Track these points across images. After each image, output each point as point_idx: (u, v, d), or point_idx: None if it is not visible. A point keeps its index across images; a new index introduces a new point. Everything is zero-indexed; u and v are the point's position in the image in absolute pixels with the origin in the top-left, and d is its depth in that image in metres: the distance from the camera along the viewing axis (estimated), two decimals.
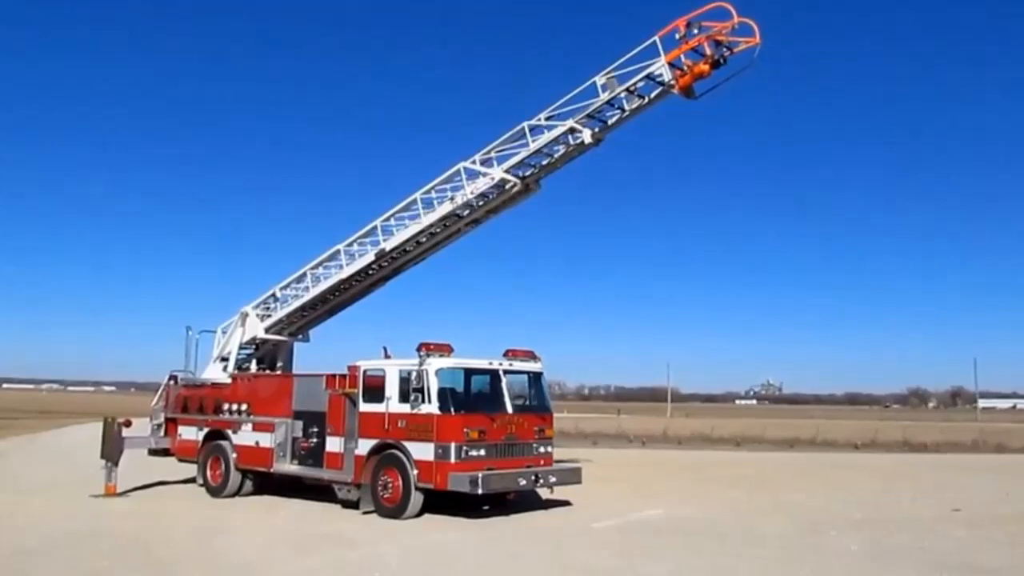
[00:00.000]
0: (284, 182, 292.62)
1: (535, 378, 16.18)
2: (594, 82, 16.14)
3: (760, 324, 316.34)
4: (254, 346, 20.20)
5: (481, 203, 17.67)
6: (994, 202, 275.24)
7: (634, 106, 16.25)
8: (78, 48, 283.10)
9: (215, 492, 17.46)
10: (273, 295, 20.06)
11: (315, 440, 16.21)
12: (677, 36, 15.39)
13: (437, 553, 11.83)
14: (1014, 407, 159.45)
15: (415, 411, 14.32)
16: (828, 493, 19.95)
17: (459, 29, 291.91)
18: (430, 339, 14.73)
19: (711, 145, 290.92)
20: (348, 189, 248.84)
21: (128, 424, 17.76)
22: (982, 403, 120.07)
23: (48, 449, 31.91)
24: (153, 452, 19.42)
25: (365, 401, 15.24)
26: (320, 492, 16.44)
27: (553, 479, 15.46)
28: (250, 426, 17.23)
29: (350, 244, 18.82)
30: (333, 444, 15.72)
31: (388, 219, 18.30)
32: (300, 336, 20.78)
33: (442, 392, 14.32)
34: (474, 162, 17.31)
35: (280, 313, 19.80)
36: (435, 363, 14.48)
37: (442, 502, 14.73)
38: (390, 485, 14.57)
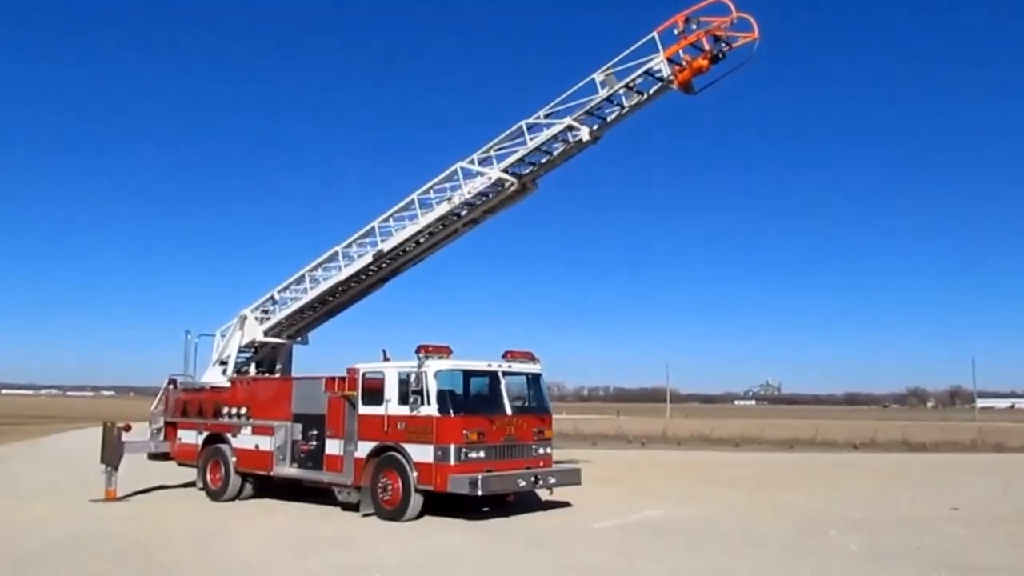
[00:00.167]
0: (284, 183, 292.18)
1: (534, 379, 16.20)
2: (593, 79, 16.12)
3: (759, 324, 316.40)
4: (253, 349, 20.20)
5: (479, 203, 17.69)
6: (994, 202, 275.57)
7: (633, 102, 16.24)
8: (78, 48, 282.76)
9: (215, 496, 17.46)
10: (272, 298, 20.05)
11: (315, 443, 16.21)
12: (676, 32, 15.40)
13: (437, 555, 11.84)
14: (1012, 407, 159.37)
15: (414, 413, 14.33)
16: (827, 493, 19.96)
17: (459, 29, 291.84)
18: (429, 341, 14.77)
19: (711, 145, 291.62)
20: (348, 189, 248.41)
21: (128, 428, 17.78)
22: (980, 403, 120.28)
23: (48, 454, 31.91)
24: (153, 456, 19.40)
25: (364, 403, 15.24)
26: (320, 495, 16.43)
27: (552, 480, 15.47)
28: (249, 429, 17.23)
29: (348, 245, 18.82)
30: (333, 447, 15.73)
31: (386, 220, 18.30)
32: (299, 339, 20.77)
33: (441, 394, 14.33)
34: (472, 161, 17.32)
35: (279, 316, 19.80)
36: (434, 365, 14.50)
37: (442, 504, 14.73)
38: (390, 487, 14.58)
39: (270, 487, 17.44)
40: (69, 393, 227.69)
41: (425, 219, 17.73)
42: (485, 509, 15.29)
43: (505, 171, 17.07)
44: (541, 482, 15.19)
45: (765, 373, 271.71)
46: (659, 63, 15.57)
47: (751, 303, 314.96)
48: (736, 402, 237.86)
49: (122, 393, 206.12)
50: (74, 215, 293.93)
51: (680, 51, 15.46)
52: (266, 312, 20.04)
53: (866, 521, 15.06)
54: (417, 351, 14.60)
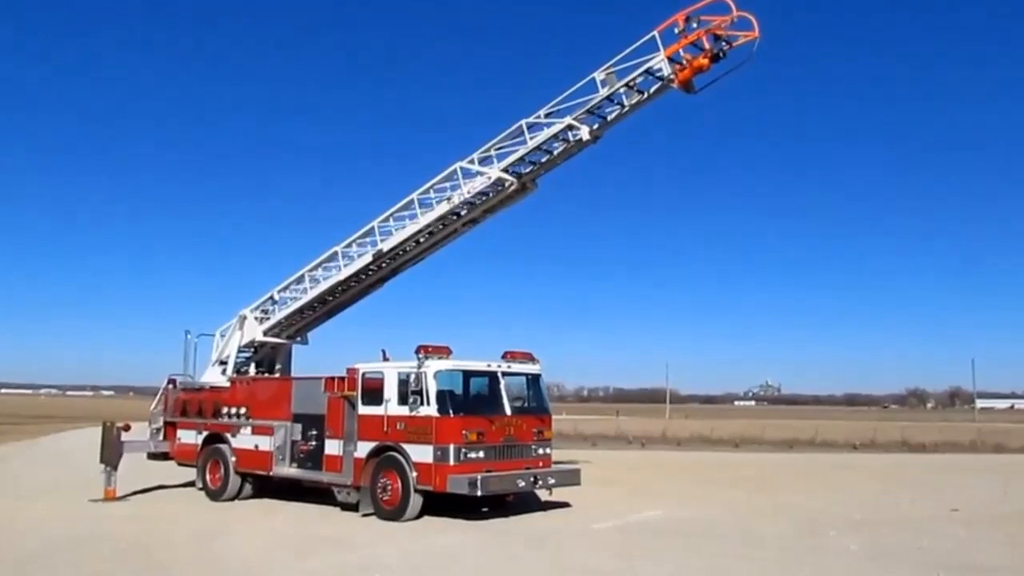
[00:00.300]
0: (284, 183, 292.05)
1: (534, 380, 16.20)
2: (593, 78, 16.11)
3: (759, 325, 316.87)
4: (252, 349, 20.18)
5: (479, 202, 17.69)
6: (994, 202, 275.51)
7: (633, 101, 16.24)
8: (78, 48, 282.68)
9: (214, 496, 17.45)
10: (271, 298, 20.04)
11: (314, 443, 16.21)
12: (676, 30, 15.39)
13: (437, 555, 11.83)
14: (1012, 407, 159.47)
15: (414, 413, 14.33)
16: (827, 494, 19.97)
17: (459, 29, 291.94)
18: (428, 341, 14.77)
19: (711, 145, 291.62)
20: (348, 189, 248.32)
21: (127, 428, 17.78)
22: (980, 403, 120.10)
23: (48, 454, 31.90)
24: (152, 456, 19.41)
25: (364, 404, 15.24)
26: (319, 495, 16.42)
27: (552, 481, 15.47)
28: (249, 429, 17.22)
29: (348, 245, 18.82)
30: (332, 447, 15.72)
31: (386, 220, 18.30)
32: (298, 339, 20.77)
33: (441, 394, 14.33)
34: (472, 161, 17.32)
35: (278, 315, 19.79)
36: (434, 365, 14.49)
37: (441, 504, 14.73)
38: (389, 487, 14.58)
39: (270, 487, 17.43)
40: (69, 393, 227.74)
41: (425, 219, 17.72)
42: (485, 509, 15.28)
43: (505, 170, 17.06)
44: (541, 482, 15.19)
45: (765, 373, 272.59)
46: (660, 62, 15.56)
47: (751, 303, 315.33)
48: (736, 403, 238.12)
49: (122, 393, 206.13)
50: (74, 215, 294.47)
51: (681, 50, 15.46)
52: (266, 312, 20.04)
53: (866, 522, 15.06)
54: (417, 351, 14.60)
